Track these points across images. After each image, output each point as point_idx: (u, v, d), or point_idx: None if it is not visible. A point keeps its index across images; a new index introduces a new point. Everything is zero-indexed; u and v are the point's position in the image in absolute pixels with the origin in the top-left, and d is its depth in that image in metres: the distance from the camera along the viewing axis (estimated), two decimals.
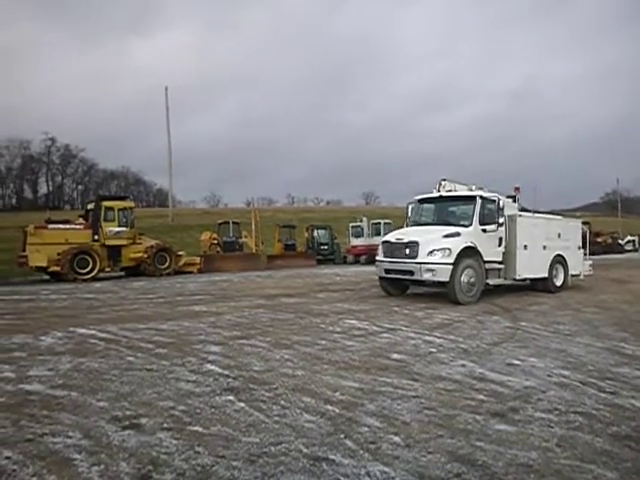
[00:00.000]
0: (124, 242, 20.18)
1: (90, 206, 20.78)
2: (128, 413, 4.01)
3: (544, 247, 13.04)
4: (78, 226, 19.72)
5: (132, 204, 21.58)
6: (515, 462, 3.17)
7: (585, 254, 15.12)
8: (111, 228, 19.79)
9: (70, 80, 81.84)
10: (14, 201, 69.75)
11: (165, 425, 3.74)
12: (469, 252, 10.82)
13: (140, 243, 20.92)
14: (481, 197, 11.47)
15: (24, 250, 18.16)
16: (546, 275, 13.15)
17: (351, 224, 33.45)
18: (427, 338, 7.12)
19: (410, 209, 13.07)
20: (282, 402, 4.28)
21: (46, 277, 19.02)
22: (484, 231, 11.25)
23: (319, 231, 34.65)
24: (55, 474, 2.96)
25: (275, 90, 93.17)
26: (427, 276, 10.67)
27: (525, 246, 12.31)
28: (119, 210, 20.21)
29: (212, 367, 5.47)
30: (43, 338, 7.10)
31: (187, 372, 5.27)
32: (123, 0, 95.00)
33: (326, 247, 33.32)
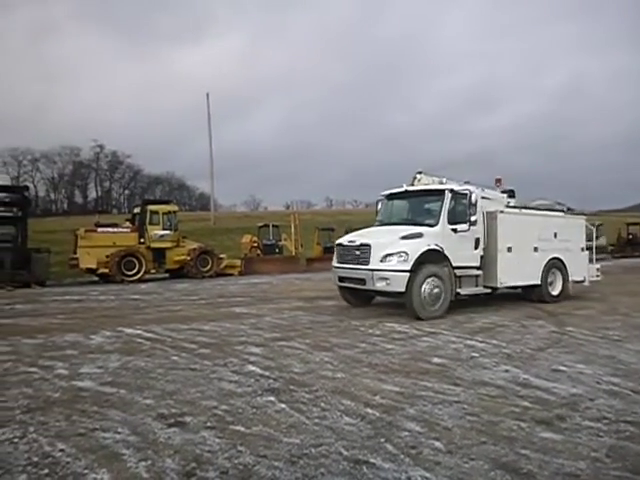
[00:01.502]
0: (168, 245, 20.75)
1: (136, 210, 21.51)
2: (173, 411, 4.13)
3: (535, 249, 11.09)
4: (125, 229, 20.44)
5: (176, 208, 22.19)
6: (562, 472, 3.07)
7: (592, 258, 12.99)
8: (156, 231, 20.41)
9: (118, 89, 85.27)
10: (65, 205, 73.02)
11: (209, 424, 3.84)
12: (434, 257, 9.15)
13: (183, 246, 21.46)
14: (451, 191, 9.68)
15: (75, 252, 18.97)
16: (538, 282, 11.12)
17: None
18: (469, 342, 6.99)
19: (379, 206, 11.32)
20: (322, 404, 4.30)
21: (95, 278, 19.80)
22: (454, 231, 9.48)
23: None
24: (105, 468, 3.09)
25: (317, 93, 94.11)
26: (380, 285, 8.93)
27: (509, 248, 10.44)
28: (163, 214, 20.81)
29: (253, 368, 5.56)
30: (93, 337, 7.41)
31: (229, 372, 5.38)
32: (172, 10, 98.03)
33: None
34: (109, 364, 5.73)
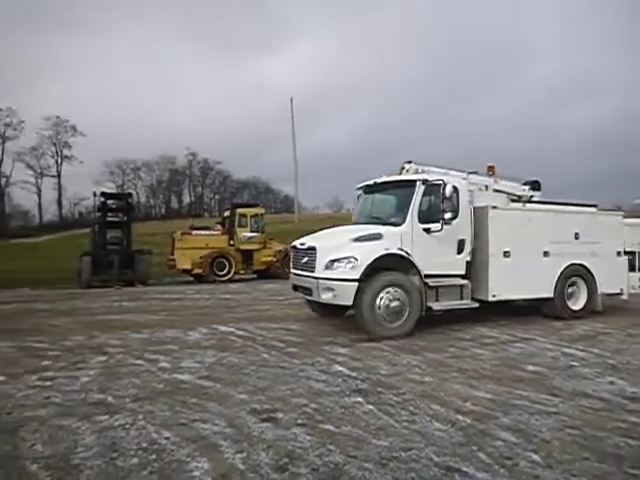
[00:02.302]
0: (256, 246, 21.54)
1: (226, 214, 22.58)
2: (265, 407, 4.31)
3: (545, 253, 8.97)
4: (216, 232, 21.53)
5: (262, 211, 22.99)
6: None
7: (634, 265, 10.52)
8: (244, 234, 21.28)
9: (210, 99, 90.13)
10: (163, 210, 78.44)
11: (299, 421, 3.96)
12: (395, 262, 7.61)
13: (270, 247, 22.16)
14: (424, 182, 8.02)
15: (172, 254, 20.31)
16: (551, 295, 8.99)
17: None
18: (567, 350, 6.56)
19: (358, 201, 9.73)
20: (411, 408, 4.27)
21: (190, 278, 21.04)
22: (427, 231, 7.86)
23: None
24: (205, 457, 3.30)
25: (399, 93, 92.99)
26: (325, 297, 7.46)
27: (506, 253, 8.55)
28: (251, 217, 21.65)
29: (340, 368, 5.64)
30: (190, 333, 7.90)
31: (317, 372, 5.50)
32: (260, 21, 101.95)
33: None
34: (206, 359, 6.09)
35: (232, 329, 8.21)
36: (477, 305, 8.34)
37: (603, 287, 9.53)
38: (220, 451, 3.40)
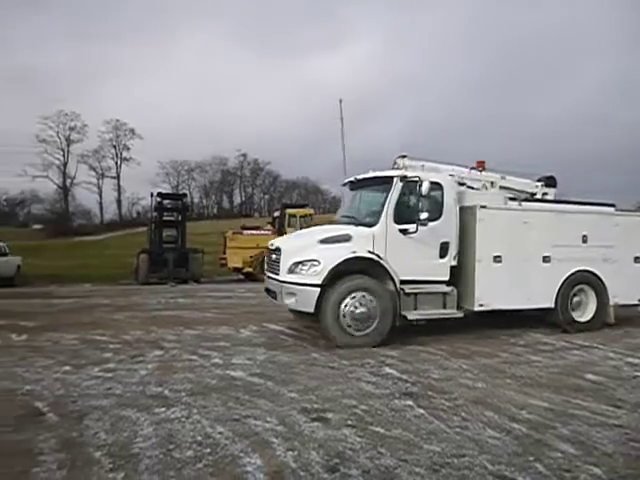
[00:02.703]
0: None
1: (276, 214, 22.96)
2: (315, 406, 4.35)
3: (545, 259, 8.03)
4: (267, 232, 21.88)
5: (311, 211, 23.19)
6: None
7: None
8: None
9: (260, 101, 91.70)
10: (215, 210, 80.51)
11: (349, 422, 3.97)
12: (367, 266, 7.02)
13: None
14: (403, 179, 7.30)
15: (224, 253, 20.84)
16: (551, 305, 8.06)
17: None
18: (631, 360, 6.23)
19: (343, 198, 8.96)
20: (463, 413, 4.18)
21: (241, 277, 21.49)
22: (404, 233, 7.22)
23: None
24: (257, 453, 3.37)
25: (446, 91, 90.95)
26: (288, 302, 7.08)
27: (497, 257, 7.69)
28: (300, 217, 21.86)
29: (390, 370, 5.60)
30: (242, 331, 8.08)
31: (366, 373, 5.49)
32: (308, 23, 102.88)
33: None
34: (257, 357, 6.21)
35: (282, 328, 8.33)
36: (461, 315, 7.61)
37: (617, 297, 8.46)
38: (272, 448, 3.46)
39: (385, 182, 7.48)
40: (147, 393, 4.71)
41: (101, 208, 64.17)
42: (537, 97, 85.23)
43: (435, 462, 3.23)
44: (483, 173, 8.92)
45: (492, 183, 8.91)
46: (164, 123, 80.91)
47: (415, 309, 7.27)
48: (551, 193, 9.36)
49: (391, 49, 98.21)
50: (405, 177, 7.32)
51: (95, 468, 3.13)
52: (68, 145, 59.87)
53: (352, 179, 8.45)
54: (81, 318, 9.54)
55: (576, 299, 8.33)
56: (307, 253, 6.95)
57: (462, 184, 8.45)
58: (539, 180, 9.41)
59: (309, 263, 6.82)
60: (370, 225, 7.22)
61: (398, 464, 3.20)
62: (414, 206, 7.23)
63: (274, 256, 7.49)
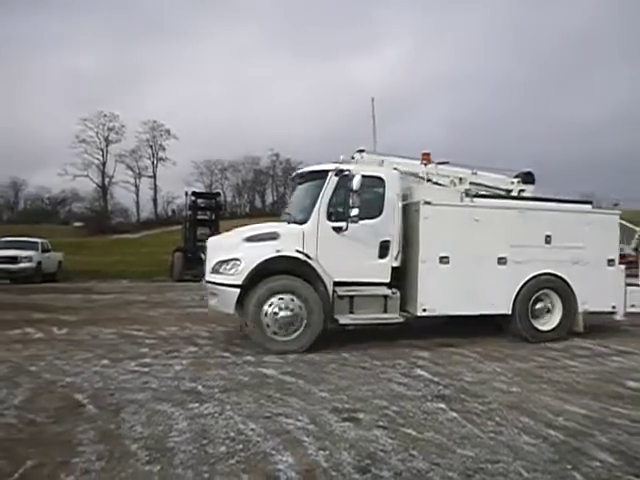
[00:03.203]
0: None
1: None
2: (347, 406, 4.35)
3: (501, 260, 7.30)
4: None
5: None
6: None
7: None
8: None
9: (294, 101, 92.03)
10: (248, 209, 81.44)
11: (380, 423, 3.95)
12: (293, 266, 6.59)
13: None
14: (338, 173, 6.81)
15: None
16: (507, 311, 7.32)
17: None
18: None
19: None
20: (497, 418, 4.10)
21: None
22: (337, 231, 6.76)
23: None
24: (289, 451, 3.39)
25: (481, 92, 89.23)
26: (212, 303, 6.74)
27: (444, 258, 7.07)
28: None
29: (422, 372, 5.55)
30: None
31: (398, 374, 5.45)
32: (346, 22, 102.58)
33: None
34: (288, 355, 6.24)
35: None
36: (401, 320, 7.02)
37: (588, 304, 7.61)
38: (303, 446, 3.48)
39: (320, 177, 7.01)
40: (181, 388, 4.81)
41: (138, 207, 65.80)
42: (578, 97, 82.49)
43: (468, 467, 3.18)
44: (451, 169, 8.39)
45: (461, 179, 8.36)
46: (199, 123, 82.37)
47: (351, 313, 6.78)
48: (529, 190, 8.64)
49: (424, 49, 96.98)
50: (341, 171, 6.81)
51: (132, 460, 3.21)
52: (107, 145, 61.60)
53: (295, 173, 7.93)
54: (119, 314, 9.84)
55: (539, 305, 7.56)
56: (231, 252, 6.59)
57: (429, 180, 8.09)
58: (517, 176, 8.78)
59: (232, 262, 6.47)
60: (302, 222, 6.80)
61: (430, 467, 3.17)
62: (352, 201, 6.62)
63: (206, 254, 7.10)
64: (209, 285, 6.73)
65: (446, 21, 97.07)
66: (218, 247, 6.89)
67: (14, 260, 17.69)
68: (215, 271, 6.59)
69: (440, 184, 8.07)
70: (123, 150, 62.20)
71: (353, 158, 8.14)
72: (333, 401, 4.48)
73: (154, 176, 65.72)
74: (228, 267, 6.47)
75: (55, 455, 3.27)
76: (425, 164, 8.04)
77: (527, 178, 8.74)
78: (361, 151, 8.19)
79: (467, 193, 7.64)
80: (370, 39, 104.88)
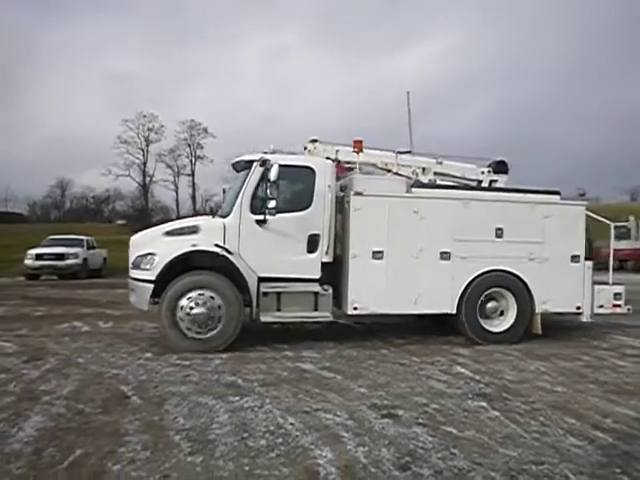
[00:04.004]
0: None
1: None
2: (385, 402, 4.32)
3: (444, 255, 6.78)
4: None
5: None
6: None
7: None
8: None
9: (330, 96, 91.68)
10: None
11: (420, 420, 3.91)
12: (211, 261, 6.30)
13: None
14: (263, 163, 6.41)
15: None
16: (452, 310, 6.82)
17: (613, 224, 28.92)
18: None
19: None
20: (541, 418, 3.99)
21: None
22: (261, 224, 6.40)
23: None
24: (328, 446, 3.39)
25: (536, 83, 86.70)
26: (131, 300, 6.59)
27: (377, 253, 6.60)
28: None
29: (462, 370, 5.46)
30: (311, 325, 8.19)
31: (437, 371, 5.38)
32: (392, 15, 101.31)
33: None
34: (326, 350, 6.27)
35: (350, 323, 8.35)
36: (331, 318, 6.64)
37: (547, 304, 7.01)
38: (342, 442, 3.48)
39: (247, 167, 6.65)
40: (222, 382, 4.90)
41: (177, 204, 67.14)
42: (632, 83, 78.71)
43: (512, 468, 3.10)
44: (413, 158, 8.04)
45: (424, 169, 7.98)
46: (235, 121, 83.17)
47: (278, 310, 6.47)
48: (501, 180, 8.10)
49: (468, 42, 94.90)
50: (266, 161, 6.40)
51: (175, 451, 3.29)
52: (147, 145, 63.07)
53: (231, 162, 7.61)
54: None
55: (490, 305, 6.99)
56: (149, 246, 6.41)
57: (388, 170, 7.80)
58: (489, 166, 8.21)
59: (149, 257, 6.28)
60: (225, 215, 6.55)
61: (472, 467, 3.11)
62: (280, 193, 6.38)
63: None
64: (129, 281, 6.59)
65: (491, 10, 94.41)
66: (140, 241, 6.69)
67: (61, 257, 18.45)
68: (135, 266, 6.45)
69: (401, 175, 7.71)
70: (162, 150, 63.65)
71: (306, 148, 7.95)
72: (372, 397, 4.46)
73: (192, 174, 66.91)
74: (144, 262, 6.31)
75: (102, 444, 3.38)
76: (357, 152, 7.45)
77: (499, 167, 8.21)
78: (314, 141, 7.94)
79: (412, 183, 7.24)
80: (408, 34, 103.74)
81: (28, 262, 18.37)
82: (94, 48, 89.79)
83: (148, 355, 5.96)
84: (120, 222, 56.93)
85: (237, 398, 4.38)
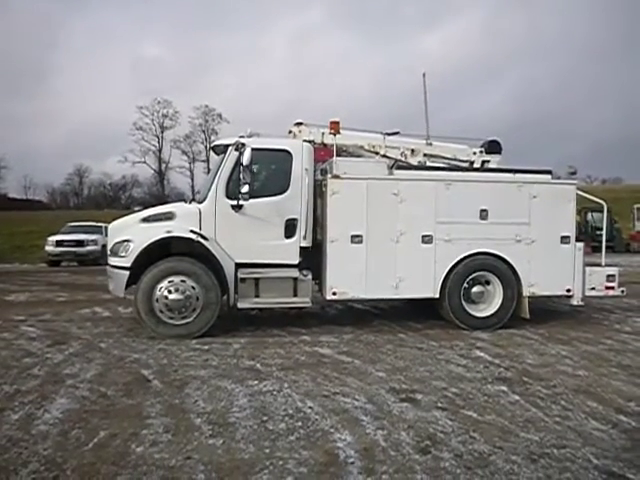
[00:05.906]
0: None
1: None
2: (404, 387, 4.32)
3: (426, 238, 6.60)
4: None
5: None
6: None
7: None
8: None
9: (355, 82, 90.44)
10: None
11: (439, 404, 3.90)
12: (187, 247, 6.28)
13: None
14: (238, 147, 6.28)
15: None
16: (435, 295, 6.65)
17: (636, 205, 28.21)
18: None
19: None
20: (562, 402, 3.95)
21: None
22: (236, 209, 6.26)
23: (593, 214, 30.17)
24: (347, 430, 3.41)
25: (560, 62, 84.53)
26: (110, 287, 6.59)
27: (356, 237, 6.46)
28: None
29: (481, 354, 5.42)
30: (328, 309, 8.20)
31: (456, 355, 5.35)
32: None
33: (603, 232, 28.84)
34: (344, 335, 6.27)
35: (368, 307, 8.34)
36: (309, 304, 6.53)
37: (535, 287, 6.80)
38: (362, 425, 3.49)
39: (225, 151, 6.52)
40: (241, 366, 4.94)
41: (193, 191, 67.34)
42: None
43: (533, 451, 3.08)
44: (402, 139, 7.84)
45: (413, 151, 7.79)
46: (250, 106, 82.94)
47: (257, 296, 6.40)
48: (494, 161, 7.88)
49: (503, 20, 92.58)
50: (242, 145, 6.25)
51: (196, 434, 3.34)
52: (162, 131, 63.37)
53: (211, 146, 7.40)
54: None
55: (476, 289, 6.77)
56: (126, 233, 6.40)
57: (376, 153, 7.61)
58: (481, 146, 8.01)
59: (125, 244, 6.28)
60: (201, 201, 6.48)
61: (493, 450, 3.09)
62: (253, 178, 6.30)
63: None
64: (107, 268, 6.61)
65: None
66: (118, 228, 6.66)
67: (81, 244, 18.73)
68: (113, 253, 6.44)
69: (389, 157, 7.55)
70: (177, 136, 63.89)
71: (291, 132, 7.77)
72: (390, 381, 4.46)
73: (207, 160, 67.03)
74: (121, 249, 6.31)
75: (126, 426, 3.45)
76: (333, 134, 7.00)
77: (491, 148, 7.96)
78: (299, 124, 7.75)
79: (392, 165, 7.03)
80: (434, 15, 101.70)
81: (49, 249, 18.69)
82: (117, 35, 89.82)
83: (168, 340, 6.03)
84: (137, 209, 57.62)
85: (256, 382, 4.41)
